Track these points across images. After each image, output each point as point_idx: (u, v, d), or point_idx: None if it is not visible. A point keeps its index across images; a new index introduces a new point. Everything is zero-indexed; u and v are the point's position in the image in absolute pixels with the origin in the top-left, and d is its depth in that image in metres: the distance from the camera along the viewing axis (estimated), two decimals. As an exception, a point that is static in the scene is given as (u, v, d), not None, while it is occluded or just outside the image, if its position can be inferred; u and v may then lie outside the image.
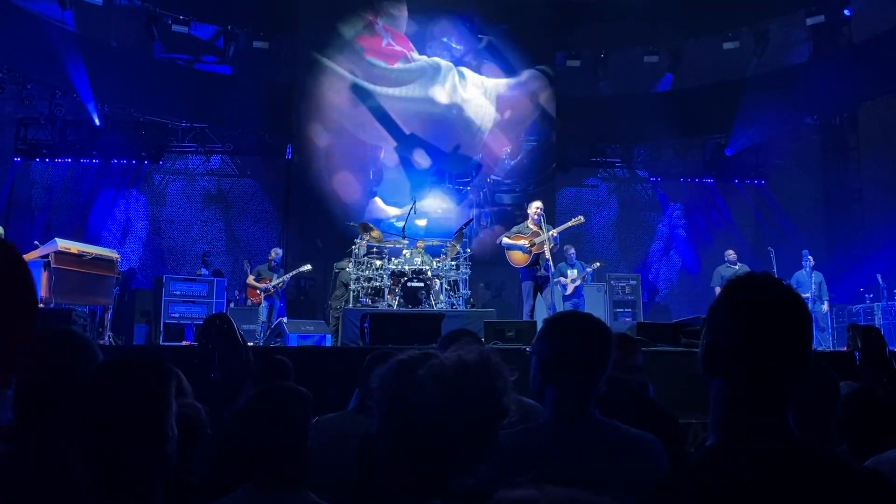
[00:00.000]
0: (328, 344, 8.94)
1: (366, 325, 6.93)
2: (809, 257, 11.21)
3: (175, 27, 13.25)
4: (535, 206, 8.71)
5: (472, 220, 12.17)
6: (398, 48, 14.19)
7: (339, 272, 10.77)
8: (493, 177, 14.20)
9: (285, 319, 9.79)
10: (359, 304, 9.43)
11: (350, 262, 10.04)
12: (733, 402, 1.22)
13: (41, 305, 7.43)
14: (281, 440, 1.95)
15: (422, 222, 12.91)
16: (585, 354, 1.81)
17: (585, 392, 1.80)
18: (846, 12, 13.66)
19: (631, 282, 12.21)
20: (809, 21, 13.53)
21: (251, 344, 7.33)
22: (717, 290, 10.64)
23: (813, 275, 10.98)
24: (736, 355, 1.22)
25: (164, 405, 1.53)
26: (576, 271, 10.59)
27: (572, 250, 11.12)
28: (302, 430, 2.01)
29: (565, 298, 10.43)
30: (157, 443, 1.50)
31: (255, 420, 1.99)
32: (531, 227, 8.59)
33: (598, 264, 10.87)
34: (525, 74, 14.35)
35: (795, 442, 1.19)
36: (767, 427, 1.19)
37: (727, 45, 14.02)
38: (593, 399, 1.82)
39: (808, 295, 10.93)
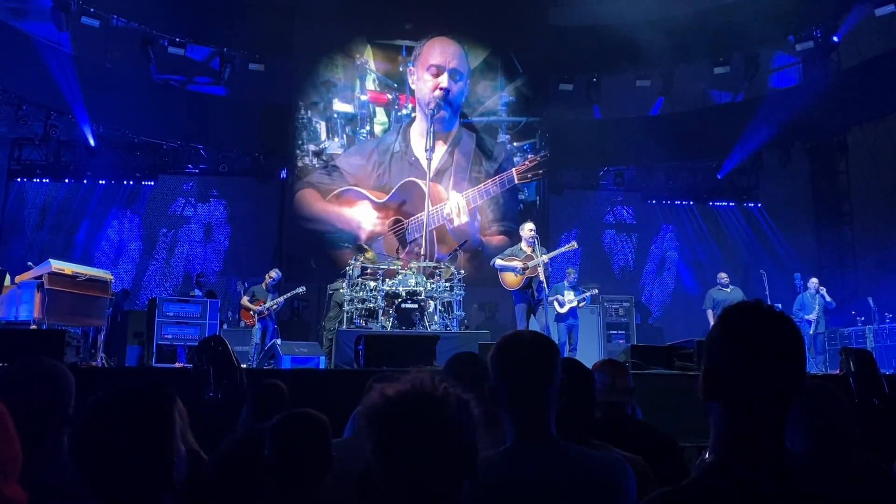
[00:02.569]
0: (322, 366, 8.90)
1: (360, 347, 6.91)
2: (813, 280, 11.27)
3: (171, 49, 13.33)
4: (528, 229, 8.74)
5: (466, 241, 12.19)
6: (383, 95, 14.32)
7: (332, 293, 10.75)
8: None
9: (279, 341, 9.75)
10: (352, 326, 9.41)
11: (344, 283, 10.03)
12: (731, 425, 1.27)
13: (34, 326, 7.40)
14: (306, 465, 1.95)
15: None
16: (526, 376, 1.79)
17: (539, 414, 1.78)
18: (835, 38, 13.86)
19: (624, 304, 12.22)
20: (799, 47, 13.73)
21: (244, 366, 7.31)
22: (710, 312, 10.77)
23: (817, 297, 11.05)
24: (732, 381, 1.27)
25: (169, 430, 1.54)
26: (573, 293, 10.58)
27: (574, 274, 11.12)
28: (327, 456, 2.01)
29: (558, 319, 10.44)
30: (163, 467, 1.51)
31: (281, 445, 1.98)
32: (525, 249, 8.62)
33: (595, 290, 10.88)
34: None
35: (790, 462, 1.25)
36: (764, 447, 1.24)
37: (718, 70, 14.20)
38: (551, 419, 1.80)
39: (811, 317, 10.98)
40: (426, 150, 13.24)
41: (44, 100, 12.45)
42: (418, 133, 14.15)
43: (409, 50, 14.36)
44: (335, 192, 13.81)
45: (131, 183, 14.03)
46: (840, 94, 13.24)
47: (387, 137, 14.21)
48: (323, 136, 14.00)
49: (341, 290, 10.08)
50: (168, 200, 14.64)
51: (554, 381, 1.81)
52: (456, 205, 13.97)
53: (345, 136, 14.10)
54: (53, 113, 12.68)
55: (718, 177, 14.93)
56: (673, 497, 1.25)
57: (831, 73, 14.20)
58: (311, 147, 13.90)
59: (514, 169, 14.25)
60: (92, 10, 12.53)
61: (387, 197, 13.92)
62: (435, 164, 13.77)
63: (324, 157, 13.91)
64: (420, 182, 13.63)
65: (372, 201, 13.83)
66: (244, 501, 1.97)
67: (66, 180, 13.68)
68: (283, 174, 14.17)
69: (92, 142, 13.02)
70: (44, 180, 13.62)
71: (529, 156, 14.43)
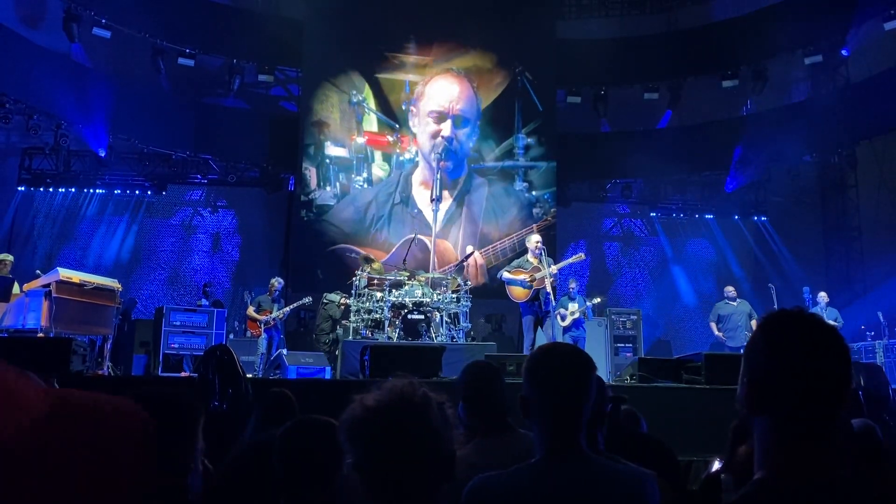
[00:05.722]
0: (328, 376, 8.90)
1: (366, 357, 6.90)
2: (822, 294, 11.19)
3: (181, 60, 13.42)
4: (535, 241, 8.74)
5: (472, 252, 12.16)
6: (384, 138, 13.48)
7: (327, 304, 10.74)
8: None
9: (285, 351, 9.75)
10: (358, 337, 9.41)
11: (338, 295, 10.05)
12: (779, 440, 1.22)
13: (41, 334, 7.42)
14: (317, 472, 1.93)
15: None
16: (560, 390, 1.76)
17: (571, 428, 1.75)
18: (844, 52, 13.86)
19: (632, 317, 12.17)
20: (807, 60, 13.72)
21: (250, 376, 7.30)
22: (713, 325, 10.69)
23: (827, 311, 10.96)
24: (778, 393, 1.22)
25: (192, 439, 1.54)
26: (576, 305, 10.60)
27: (574, 285, 11.16)
28: (339, 463, 2.00)
29: (564, 331, 10.41)
30: (180, 475, 1.50)
31: (291, 451, 1.97)
32: (532, 261, 8.61)
33: (598, 300, 10.86)
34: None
35: (839, 475, 1.20)
36: (814, 461, 1.20)
37: (726, 84, 14.20)
38: (581, 434, 1.77)
39: None
40: (431, 201, 11.37)
41: (54, 110, 12.52)
42: (420, 182, 13.21)
43: (413, 86, 13.69)
44: (326, 251, 12.97)
45: (140, 192, 14.10)
46: (849, 107, 13.22)
47: (385, 187, 13.14)
48: (312, 185, 13.16)
49: (336, 303, 10.08)
50: (176, 210, 14.70)
51: (589, 395, 1.78)
52: (474, 262, 12.70)
53: (338, 184, 13.24)
54: (64, 123, 12.75)
55: (727, 190, 14.89)
56: None
57: (840, 87, 14.19)
58: (300, 198, 13.15)
59: (534, 226, 13.34)
60: (103, 21, 12.65)
61: (386, 256, 12.59)
62: (441, 216, 12.38)
63: (314, 210, 13.15)
64: (424, 238, 11.82)
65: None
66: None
67: (76, 189, 13.76)
68: (292, 185, 14.21)
69: (102, 152, 13.10)
70: (54, 189, 13.70)
71: (553, 209, 13.86)
